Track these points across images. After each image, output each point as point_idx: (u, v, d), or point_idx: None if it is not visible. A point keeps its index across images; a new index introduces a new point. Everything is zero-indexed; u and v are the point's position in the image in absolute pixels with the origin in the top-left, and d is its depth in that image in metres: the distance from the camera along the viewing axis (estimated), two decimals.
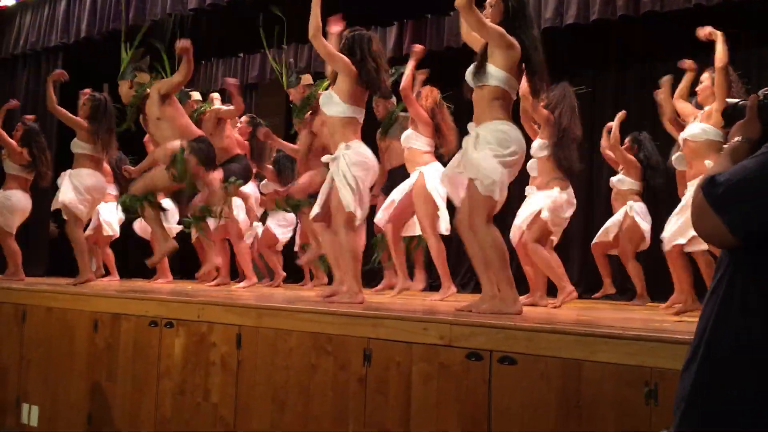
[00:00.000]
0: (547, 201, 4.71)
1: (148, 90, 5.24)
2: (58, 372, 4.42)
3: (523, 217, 4.88)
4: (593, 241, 6.14)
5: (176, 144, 5.08)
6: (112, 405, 4.09)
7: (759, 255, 1.32)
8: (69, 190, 5.67)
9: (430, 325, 2.88)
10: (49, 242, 7.65)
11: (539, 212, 4.70)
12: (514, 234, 5.00)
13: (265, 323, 3.46)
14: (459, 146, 3.76)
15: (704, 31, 4.43)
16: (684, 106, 4.95)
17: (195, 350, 3.72)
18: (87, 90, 6.06)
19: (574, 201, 4.90)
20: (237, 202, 6.11)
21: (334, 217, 4.06)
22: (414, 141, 5.25)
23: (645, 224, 5.81)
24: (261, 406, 3.40)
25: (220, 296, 4.36)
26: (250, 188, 6.57)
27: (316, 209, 4.22)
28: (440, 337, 2.83)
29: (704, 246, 4.31)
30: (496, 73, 3.48)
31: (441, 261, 5.15)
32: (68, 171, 5.82)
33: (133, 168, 6.12)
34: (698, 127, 4.47)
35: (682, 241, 4.45)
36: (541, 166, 4.92)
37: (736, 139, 1.52)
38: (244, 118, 6.70)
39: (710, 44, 4.41)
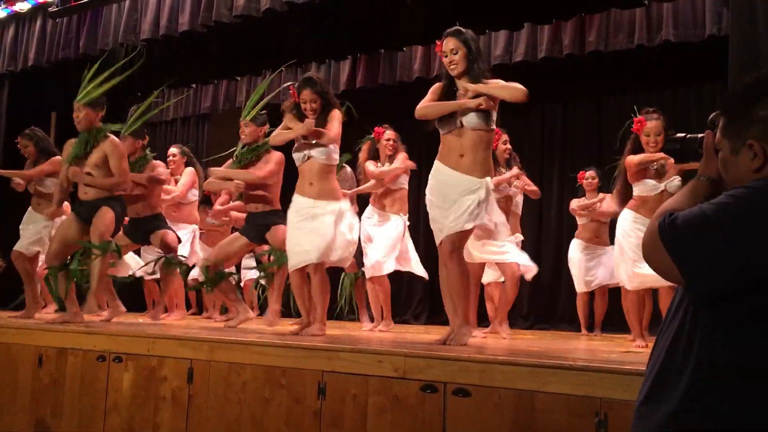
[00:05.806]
0: None
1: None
2: (1, 408, 4.27)
3: None
4: None
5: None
6: None
7: (719, 304, 1.28)
8: None
9: (385, 358, 2.89)
10: None
11: None
12: None
13: (218, 357, 3.42)
14: None
15: None
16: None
17: (144, 385, 3.65)
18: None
19: None
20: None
21: None
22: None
23: None
24: None
25: (171, 330, 4.29)
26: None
27: None
28: (395, 370, 2.84)
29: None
30: None
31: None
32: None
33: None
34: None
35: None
36: None
37: (697, 176, 1.45)
38: (175, 150, 6.48)
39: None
